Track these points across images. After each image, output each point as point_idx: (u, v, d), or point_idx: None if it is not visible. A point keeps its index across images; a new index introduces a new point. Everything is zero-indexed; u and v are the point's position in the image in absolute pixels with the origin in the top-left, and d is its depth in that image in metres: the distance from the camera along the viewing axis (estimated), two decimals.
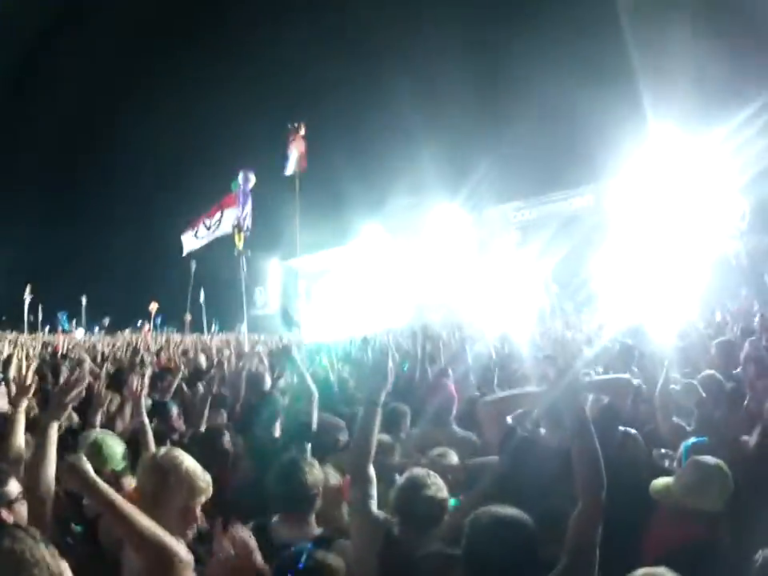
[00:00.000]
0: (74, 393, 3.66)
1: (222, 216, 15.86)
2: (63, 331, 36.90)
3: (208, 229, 16.16)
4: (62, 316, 39.24)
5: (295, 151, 17.32)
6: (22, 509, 3.27)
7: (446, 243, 36.36)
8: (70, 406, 3.72)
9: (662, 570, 2.46)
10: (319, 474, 3.92)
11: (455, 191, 33.81)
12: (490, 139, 29.72)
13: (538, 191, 33.26)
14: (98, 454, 4.20)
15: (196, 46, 45.35)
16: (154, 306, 37.89)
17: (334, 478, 4.27)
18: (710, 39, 22.27)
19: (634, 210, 27.01)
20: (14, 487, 3.32)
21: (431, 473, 3.57)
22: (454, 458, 4.47)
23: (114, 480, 4.02)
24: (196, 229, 16.30)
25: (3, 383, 6.41)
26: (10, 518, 3.17)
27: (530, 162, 29.85)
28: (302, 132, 17.45)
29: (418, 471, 3.62)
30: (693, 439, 4.29)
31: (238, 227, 15.37)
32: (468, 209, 34.87)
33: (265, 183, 16.87)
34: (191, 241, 16.46)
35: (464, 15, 35.33)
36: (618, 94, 23.79)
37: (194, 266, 34.64)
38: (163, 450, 3.36)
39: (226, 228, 15.75)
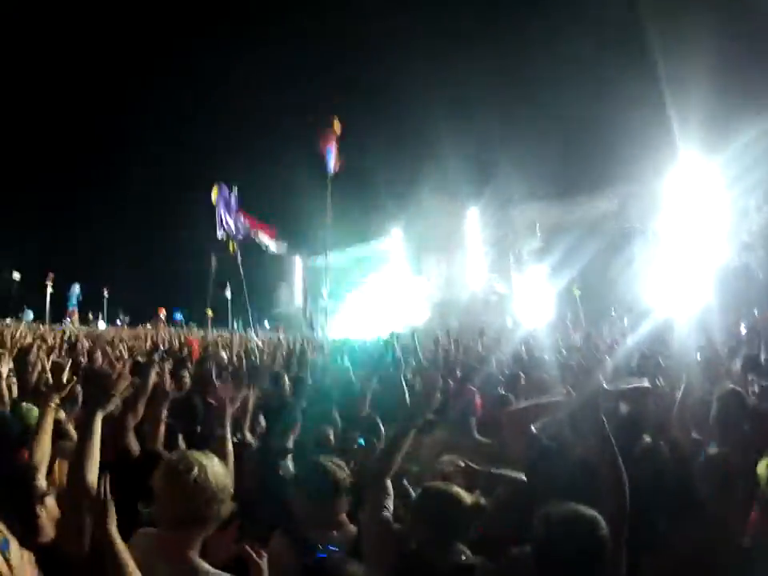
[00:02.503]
0: (122, 383, 3.67)
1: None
2: (70, 308, 37.21)
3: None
4: (74, 289, 39.42)
5: (334, 149, 17.16)
6: (52, 502, 3.36)
7: (471, 244, 36.35)
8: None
9: None
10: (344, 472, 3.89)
11: (481, 192, 33.79)
12: (517, 140, 29.63)
13: (562, 193, 33.15)
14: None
15: (222, 37, 45.61)
16: (161, 311, 38.05)
17: None
18: (733, 48, 22.26)
19: (657, 216, 26.94)
20: (42, 482, 3.42)
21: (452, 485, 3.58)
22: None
23: None
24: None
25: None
26: (42, 513, 3.27)
27: (555, 165, 29.80)
28: (338, 130, 17.21)
29: (441, 483, 3.66)
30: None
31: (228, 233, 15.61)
32: (493, 209, 34.79)
33: (290, 181, 17.01)
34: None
35: (491, 19, 35.33)
36: (643, 98, 23.80)
37: (214, 262, 34.76)
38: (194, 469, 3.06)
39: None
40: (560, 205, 33.39)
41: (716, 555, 3.24)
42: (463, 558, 3.25)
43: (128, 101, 48.48)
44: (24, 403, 5.40)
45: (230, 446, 4.22)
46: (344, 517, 3.80)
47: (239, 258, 16.24)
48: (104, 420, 4.07)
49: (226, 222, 15.91)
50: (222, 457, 3.94)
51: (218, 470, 3.10)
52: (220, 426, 4.36)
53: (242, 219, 16.35)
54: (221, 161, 44.24)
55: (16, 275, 39.44)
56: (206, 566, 2.99)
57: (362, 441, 5.33)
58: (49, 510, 3.31)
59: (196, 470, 3.02)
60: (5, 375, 6.39)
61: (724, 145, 23.30)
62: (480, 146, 32.19)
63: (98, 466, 3.33)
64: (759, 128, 21.53)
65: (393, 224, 40.14)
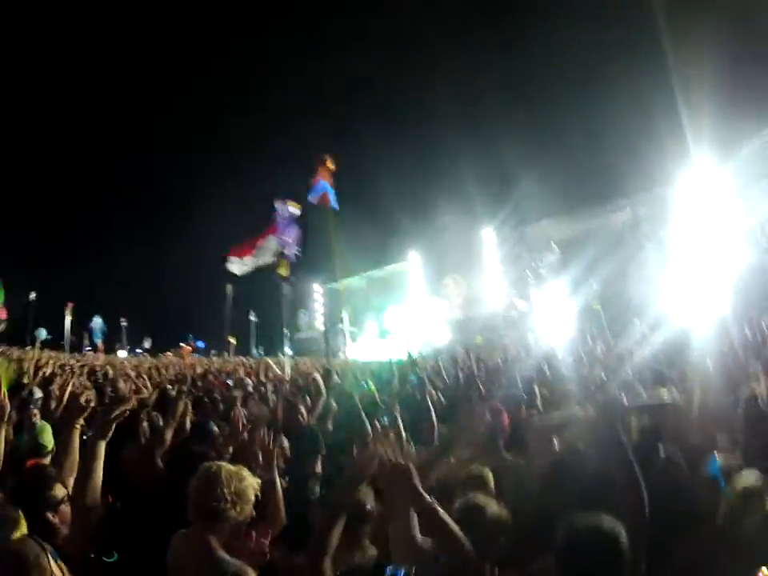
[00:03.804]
0: (118, 411, 4.05)
1: (265, 244, 15.88)
2: (94, 342, 37.30)
3: (254, 257, 16.19)
4: (96, 322, 39.44)
5: (328, 185, 16.90)
6: (67, 510, 3.62)
7: (488, 264, 36.32)
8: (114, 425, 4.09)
9: None
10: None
11: (496, 210, 33.80)
12: (530, 157, 29.74)
13: (577, 206, 33.08)
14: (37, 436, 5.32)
15: (241, 75, 46.06)
16: (186, 349, 38.11)
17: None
18: (744, 54, 22.29)
19: (671, 223, 26.84)
20: (59, 491, 3.66)
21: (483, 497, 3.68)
22: (487, 475, 4.45)
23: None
24: (244, 256, 16.28)
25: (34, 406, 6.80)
26: (56, 520, 3.53)
27: (569, 179, 29.83)
28: (331, 165, 16.90)
29: (474, 495, 3.71)
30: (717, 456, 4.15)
31: (282, 254, 15.39)
32: (509, 227, 34.73)
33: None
34: (236, 266, 16.45)
35: (506, 37, 35.54)
36: (654, 106, 23.84)
37: (230, 290, 34.79)
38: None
39: (267, 257, 15.77)
40: (575, 218, 33.33)
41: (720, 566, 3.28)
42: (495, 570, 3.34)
43: (145, 136, 49.13)
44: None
45: (279, 489, 4.39)
46: (367, 540, 3.88)
47: (289, 281, 16.03)
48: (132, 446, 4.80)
49: (284, 239, 15.71)
50: (274, 499, 4.29)
51: (235, 475, 3.53)
52: (268, 472, 4.43)
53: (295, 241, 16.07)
54: (236, 189, 44.67)
55: (32, 295, 39.51)
56: (225, 555, 3.37)
57: (384, 419, 5.40)
58: (63, 516, 3.58)
59: (212, 469, 3.52)
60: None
61: (736, 150, 23.31)
62: (494, 166, 32.29)
63: (99, 484, 3.84)
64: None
65: (410, 247, 40.20)
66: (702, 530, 3.66)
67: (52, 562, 2.85)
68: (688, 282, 22.20)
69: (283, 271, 15.60)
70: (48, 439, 5.40)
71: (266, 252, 15.89)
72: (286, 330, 16.23)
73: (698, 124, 22.15)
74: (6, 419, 4.67)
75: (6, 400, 4.76)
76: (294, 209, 15.99)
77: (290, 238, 15.73)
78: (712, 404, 5.32)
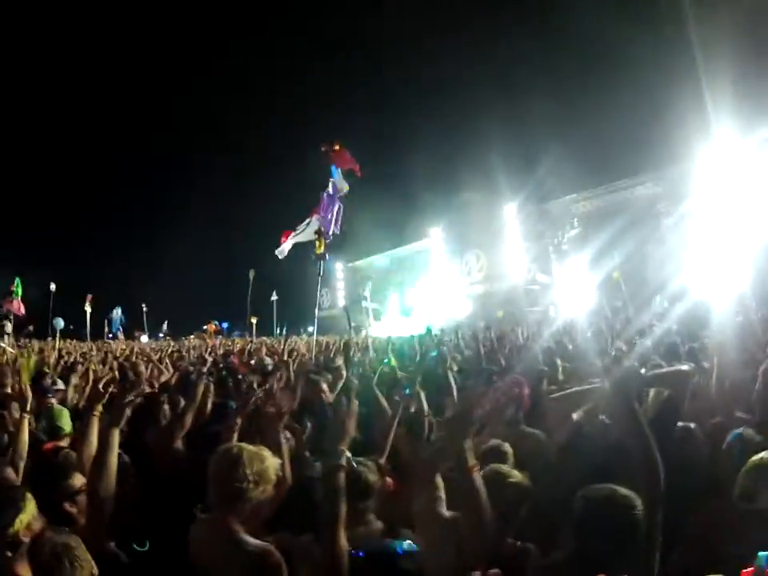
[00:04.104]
0: (130, 397, 3.97)
1: (309, 222, 15.86)
2: (114, 332, 37.44)
3: (294, 235, 16.18)
4: (116, 312, 39.52)
5: (339, 168, 16.69)
6: (84, 500, 3.61)
7: (510, 239, 36.16)
8: (128, 411, 4.03)
9: None
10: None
11: (518, 186, 33.60)
12: (552, 133, 29.53)
13: (599, 181, 32.83)
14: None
15: (241, 72, 46.02)
16: (211, 328, 38.18)
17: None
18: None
19: (695, 198, 26.56)
20: (76, 480, 3.69)
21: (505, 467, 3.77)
22: (507, 449, 4.45)
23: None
24: (288, 238, 16.26)
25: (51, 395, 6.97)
26: (73, 510, 3.58)
27: (591, 154, 29.60)
28: (337, 147, 16.67)
29: (496, 465, 3.79)
30: (741, 429, 4.13)
31: (319, 232, 15.36)
32: (531, 203, 34.52)
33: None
34: (284, 247, 16.43)
35: (531, 12, 35.29)
36: (677, 80, 23.62)
37: (252, 274, 34.78)
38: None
39: (309, 233, 15.75)
40: (597, 192, 33.10)
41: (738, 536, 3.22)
42: (518, 543, 3.39)
43: (165, 124, 49.30)
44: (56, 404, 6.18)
45: (284, 453, 4.38)
46: (372, 515, 3.78)
47: (325, 259, 15.97)
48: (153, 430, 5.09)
49: (326, 216, 15.66)
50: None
51: (256, 456, 3.49)
52: (275, 433, 4.49)
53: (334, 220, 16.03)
54: (255, 174, 44.69)
55: (52, 286, 39.55)
56: (248, 537, 3.32)
57: (407, 390, 5.42)
58: (80, 506, 3.61)
59: (233, 450, 3.50)
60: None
61: (758, 124, 23.05)
62: (517, 142, 32.09)
63: (113, 474, 3.61)
64: None
65: (432, 224, 40.09)
66: (716, 504, 3.69)
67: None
68: (708, 257, 22.04)
69: (319, 249, 15.56)
70: (65, 422, 5.45)
71: (307, 230, 15.89)
72: (317, 310, 16.14)
73: (720, 98, 21.90)
74: (28, 410, 4.75)
75: (28, 391, 4.85)
76: (340, 186, 15.95)
77: (332, 214, 15.70)
78: (730, 377, 5.32)
